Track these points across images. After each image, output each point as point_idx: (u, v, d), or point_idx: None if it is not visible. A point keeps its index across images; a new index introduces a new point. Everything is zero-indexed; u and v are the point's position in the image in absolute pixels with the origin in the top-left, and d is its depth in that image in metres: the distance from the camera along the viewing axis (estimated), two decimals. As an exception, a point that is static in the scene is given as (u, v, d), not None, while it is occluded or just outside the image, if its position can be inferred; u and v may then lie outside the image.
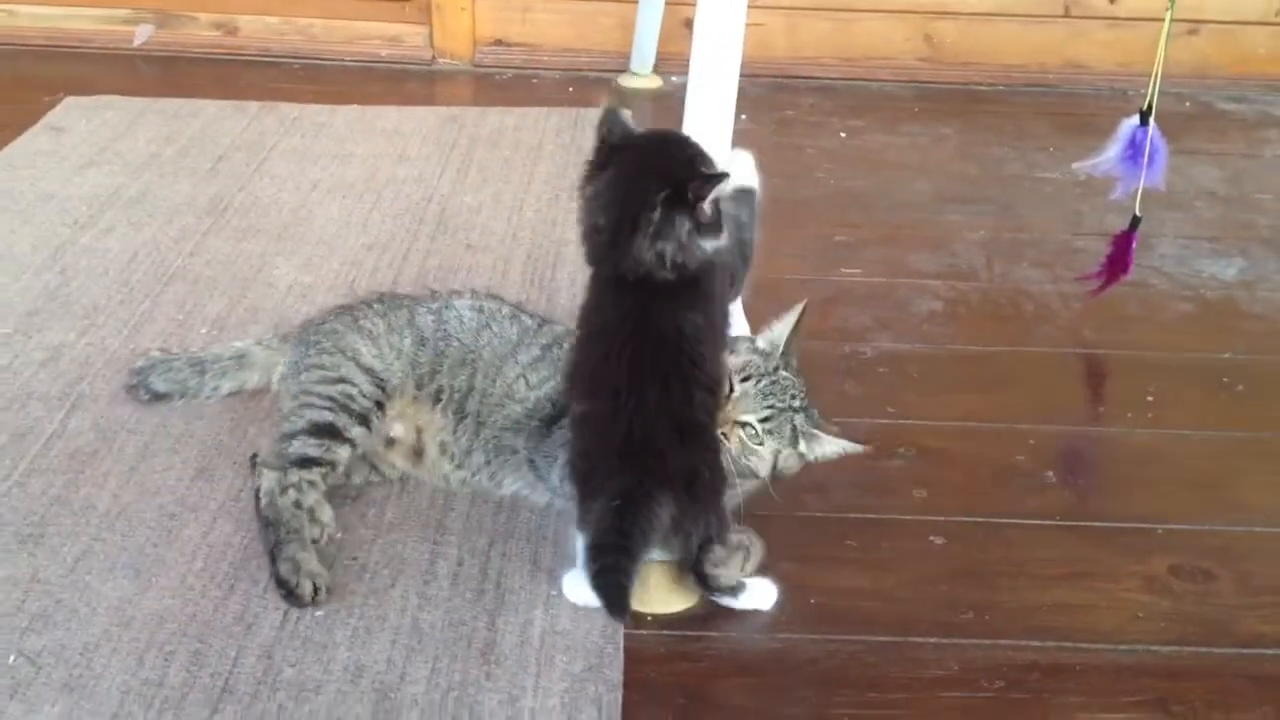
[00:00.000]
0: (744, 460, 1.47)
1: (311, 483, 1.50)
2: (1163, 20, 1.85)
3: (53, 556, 1.46)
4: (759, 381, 1.48)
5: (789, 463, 1.50)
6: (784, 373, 1.51)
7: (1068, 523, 1.61)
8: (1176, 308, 2.14)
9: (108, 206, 2.29)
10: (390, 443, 1.60)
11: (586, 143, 2.61)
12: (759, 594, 1.45)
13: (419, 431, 1.60)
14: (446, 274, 2.09)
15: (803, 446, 1.50)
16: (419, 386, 1.60)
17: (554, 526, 1.54)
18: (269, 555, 1.44)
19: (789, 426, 1.49)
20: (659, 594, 1.45)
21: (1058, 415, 1.84)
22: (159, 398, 1.72)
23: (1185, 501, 1.66)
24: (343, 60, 3.09)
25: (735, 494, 1.48)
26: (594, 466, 1.36)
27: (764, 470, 1.49)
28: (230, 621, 1.38)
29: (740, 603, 1.44)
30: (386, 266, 2.12)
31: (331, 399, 1.56)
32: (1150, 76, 1.87)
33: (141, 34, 3.07)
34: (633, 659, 1.36)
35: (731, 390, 1.47)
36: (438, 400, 1.60)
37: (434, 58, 3.11)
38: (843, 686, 1.36)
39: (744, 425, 1.47)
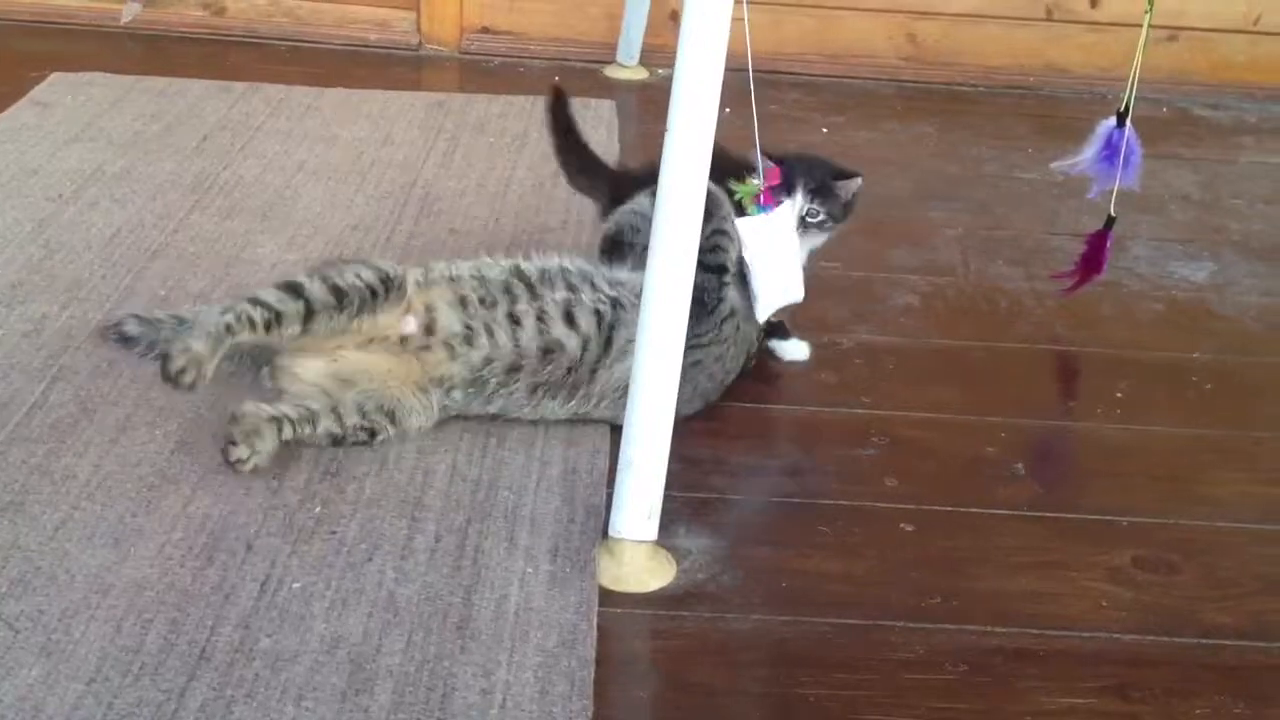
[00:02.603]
0: None
1: (251, 320, 1.55)
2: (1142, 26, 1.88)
3: (32, 524, 1.47)
4: None
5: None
6: None
7: (1035, 513, 1.64)
8: (1148, 308, 2.17)
9: (92, 182, 2.29)
10: (404, 342, 1.63)
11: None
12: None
13: (429, 310, 1.65)
14: (429, 257, 2.09)
15: None
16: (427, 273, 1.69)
17: (531, 505, 1.56)
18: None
19: None
20: (634, 573, 1.47)
21: (1029, 409, 1.87)
22: (126, 341, 1.77)
23: (1151, 495, 1.70)
24: (329, 43, 3.10)
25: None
26: None
27: None
28: (208, 591, 1.40)
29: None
30: (370, 247, 2.13)
31: (314, 269, 1.64)
32: (1129, 81, 1.90)
33: (129, 12, 3.06)
34: (606, 636, 1.39)
35: None
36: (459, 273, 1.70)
37: (421, 43, 3.12)
38: (811, 666, 1.38)
39: None
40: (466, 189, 2.38)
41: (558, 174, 2.21)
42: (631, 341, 1.60)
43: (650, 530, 1.48)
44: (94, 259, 2.03)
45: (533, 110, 2.76)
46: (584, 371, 1.66)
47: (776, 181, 1.76)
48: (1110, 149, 1.96)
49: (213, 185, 2.32)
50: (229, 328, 1.54)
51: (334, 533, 1.50)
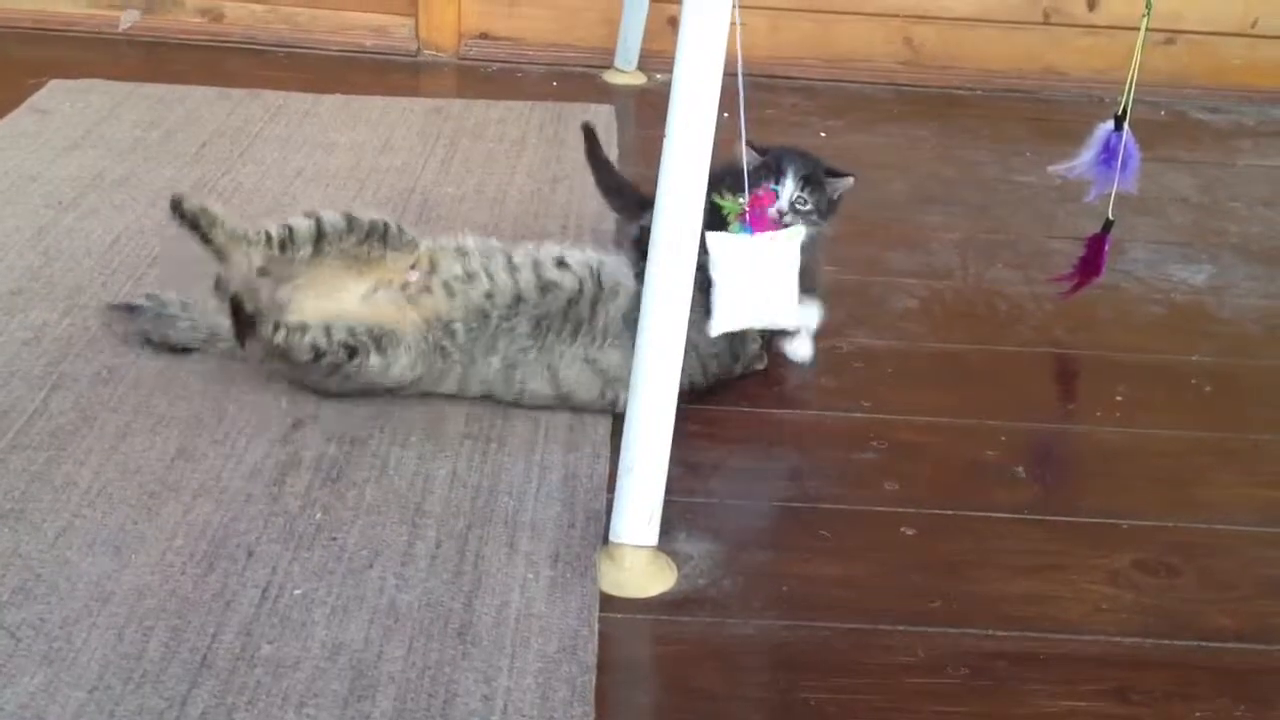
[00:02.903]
0: None
1: (267, 235, 1.69)
2: (1140, 29, 1.88)
3: (33, 532, 1.48)
4: None
5: None
6: None
7: (1035, 516, 1.64)
8: (1147, 311, 2.17)
9: (91, 189, 2.29)
10: (405, 288, 1.71)
11: (569, 137, 2.66)
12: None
13: (432, 260, 1.75)
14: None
15: None
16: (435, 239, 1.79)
17: (532, 510, 1.56)
18: None
19: None
20: (635, 578, 1.47)
21: (1028, 413, 1.87)
22: (132, 310, 1.83)
23: (1151, 498, 1.70)
24: (328, 49, 3.10)
25: None
26: None
27: None
28: (209, 598, 1.40)
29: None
30: (369, 254, 2.13)
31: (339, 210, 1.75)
32: (1126, 84, 1.91)
33: (127, 19, 3.07)
34: (607, 641, 1.39)
35: None
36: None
37: (419, 49, 3.13)
38: (811, 671, 1.38)
39: None
40: (465, 194, 2.39)
41: (556, 179, 2.22)
42: (619, 284, 1.73)
43: (651, 535, 1.49)
44: (94, 266, 2.04)
45: (531, 115, 2.77)
46: (584, 306, 1.73)
47: (769, 204, 1.74)
48: (1108, 152, 1.96)
49: (212, 191, 2.32)
50: (245, 235, 1.69)
51: (334, 539, 1.50)
